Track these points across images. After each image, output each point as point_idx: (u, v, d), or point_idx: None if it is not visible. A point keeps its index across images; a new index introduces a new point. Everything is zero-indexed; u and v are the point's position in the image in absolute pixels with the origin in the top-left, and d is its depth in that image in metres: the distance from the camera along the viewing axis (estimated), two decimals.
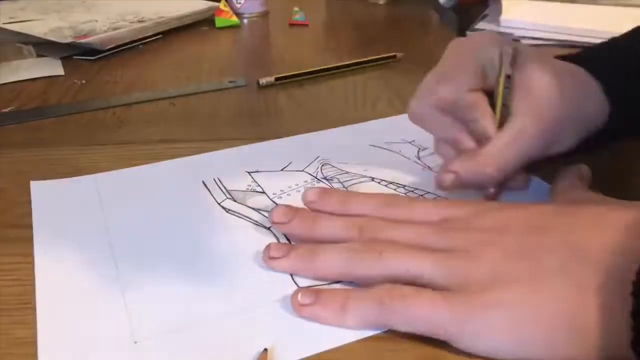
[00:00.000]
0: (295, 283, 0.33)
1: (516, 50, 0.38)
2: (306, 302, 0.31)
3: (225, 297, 0.32)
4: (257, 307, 0.32)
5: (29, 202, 0.42)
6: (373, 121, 0.53)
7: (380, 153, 0.48)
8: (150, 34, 0.79)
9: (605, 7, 0.78)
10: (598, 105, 0.40)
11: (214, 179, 0.44)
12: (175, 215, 0.40)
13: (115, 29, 0.78)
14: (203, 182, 0.44)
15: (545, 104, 0.37)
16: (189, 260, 0.36)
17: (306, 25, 0.87)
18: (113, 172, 0.45)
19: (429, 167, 0.45)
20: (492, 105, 0.38)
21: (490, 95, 0.38)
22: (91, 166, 0.46)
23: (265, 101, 0.60)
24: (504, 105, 0.38)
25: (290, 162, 0.46)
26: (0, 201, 0.42)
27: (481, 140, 0.38)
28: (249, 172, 0.45)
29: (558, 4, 0.79)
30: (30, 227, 0.39)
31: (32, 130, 0.54)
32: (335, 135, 0.51)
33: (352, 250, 0.33)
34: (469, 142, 0.38)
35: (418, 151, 0.47)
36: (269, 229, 0.38)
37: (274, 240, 0.37)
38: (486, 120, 0.37)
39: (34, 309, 0.32)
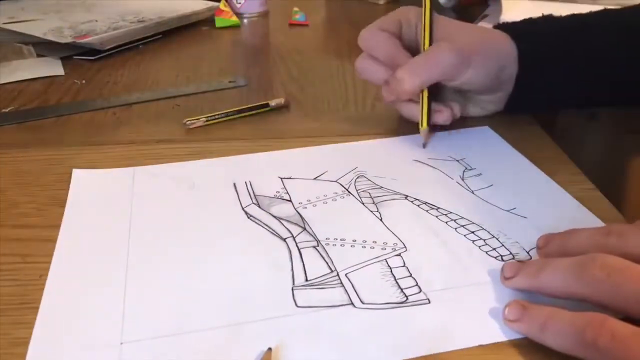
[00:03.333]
0: (295, 300, 0.32)
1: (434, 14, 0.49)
2: (511, 319, 0.30)
3: (221, 308, 0.32)
4: (246, 323, 0.31)
5: (29, 202, 0.42)
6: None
7: (422, 169, 0.46)
8: (150, 34, 0.79)
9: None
10: (507, 44, 0.49)
11: (245, 182, 0.44)
12: (198, 216, 0.40)
13: (115, 29, 0.78)
14: (234, 184, 0.44)
15: (453, 36, 0.48)
16: (195, 264, 0.36)
17: (306, 25, 0.87)
18: (151, 166, 0.46)
19: (471, 190, 0.43)
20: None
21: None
22: (91, 166, 0.46)
23: (264, 101, 0.59)
24: None
25: (326, 171, 0.45)
26: (0, 201, 0.42)
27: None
28: (281, 178, 0.44)
29: (558, 3, 0.79)
30: (30, 227, 0.40)
31: (32, 130, 0.54)
32: (379, 146, 0.49)
33: (575, 268, 0.30)
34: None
35: (464, 171, 0.45)
36: (284, 240, 0.38)
37: (285, 252, 0.36)
38: (403, 56, 0.49)
39: (33, 309, 0.32)
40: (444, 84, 0.49)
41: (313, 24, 0.88)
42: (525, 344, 0.30)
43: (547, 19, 0.52)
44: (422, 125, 0.49)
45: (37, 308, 0.32)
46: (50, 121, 0.55)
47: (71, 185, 0.43)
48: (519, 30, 0.50)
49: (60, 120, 0.56)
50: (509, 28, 0.50)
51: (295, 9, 0.89)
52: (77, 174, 0.45)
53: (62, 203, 0.42)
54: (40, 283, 0.34)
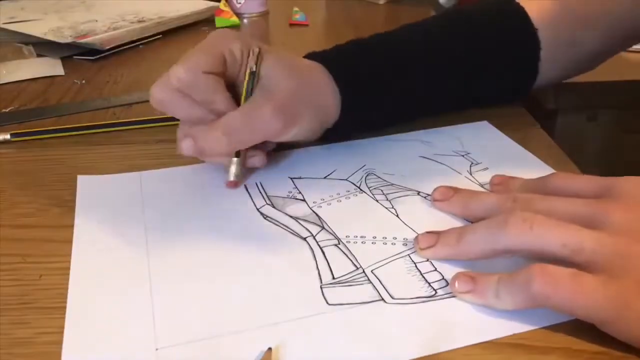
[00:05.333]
0: (325, 298, 0.32)
1: (262, 48, 0.42)
2: (463, 290, 0.32)
3: (252, 310, 0.32)
4: (282, 322, 0.31)
5: (29, 202, 0.42)
6: (425, 131, 0.51)
7: (429, 165, 0.46)
8: (150, 34, 0.79)
9: None
10: (332, 97, 0.45)
11: (256, 183, 0.44)
12: (214, 219, 0.40)
13: (115, 29, 0.78)
14: (245, 186, 0.43)
15: (279, 88, 0.41)
16: (219, 267, 0.35)
17: (306, 25, 0.87)
18: (158, 170, 0.46)
19: (479, 183, 0.43)
20: (237, 97, 0.42)
21: (233, 87, 0.43)
22: (91, 166, 0.46)
23: None
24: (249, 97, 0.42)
25: (335, 170, 0.45)
26: (0, 201, 0.42)
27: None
28: (291, 178, 0.44)
29: None
30: (29, 227, 0.39)
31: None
32: (384, 144, 0.49)
33: (498, 224, 0.32)
34: (212, 119, 0.41)
35: (470, 165, 0.45)
36: (304, 239, 0.37)
37: (308, 251, 0.36)
38: (224, 101, 0.41)
39: (33, 309, 0.32)
40: None
41: (313, 24, 0.88)
42: (536, 339, 0.30)
43: (360, 50, 0.49)
44: (230, 177, 0.43)
45: (37, 308, 0.32)
46: (50, 121, 0.55)
47: (77, 192, 0.43)
48: (338, 70, 0.46)
49: (60, 120, 0.56)
50: (327, 61, 0.46)
51: (295, 9, 0.89)
52: (83, 181, 0.44)
53: (62, 203, 0.42)
54: (40, 283, 0.34)
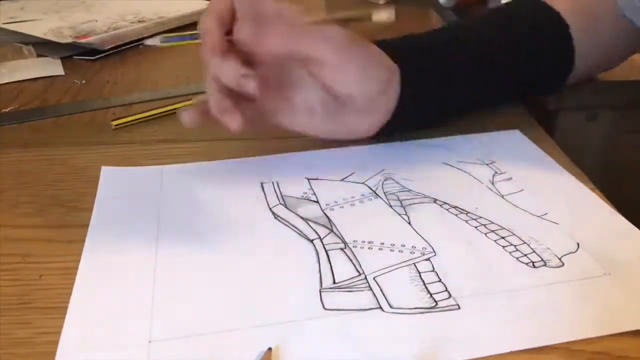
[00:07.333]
0: (322, 303, 0.32)
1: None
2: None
3: (249, 309, 0.32)
4: (276, 324, 0.31)
5: (29, 202, 0.42)
6: (450, 137, 0.50)
7: (451, 173, 0.45)
8: (150, 34, 0.79)
9: None
10: (383, 57, 0.45)
11: (272, 182, 0.44)
12: (226, 215, 0.40)
13: (115, 29, 0.78)
14: (261, 184, 0.44)
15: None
16: (223, 264, 0.35)
17: None
18: (179, 165, 0.46)
19: (501, 194, 0.42)
20: None
21: None
22: (91, 166, 0.46)
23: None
24: None
25: (353, 173, 0.45)
26: (1, 201, 0.42)
27: None
28: (308, 179, 0.44)
29: None
30: (29, 227, 0.40)
31: (32, 130, 0.54)
32: (406, 148, 0.48)
33: None
34: None
35: (493, 175, 0.44)
36: (311, 241, 0.37)
37: (313, 254, 0.36)
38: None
39: (33, 309, 0.32)
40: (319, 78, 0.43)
41: None
42: (555, 352, 0.29)
43: (411, 38, 0.51)
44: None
45: (37, 308, 0.32)
46: (50, 121, 0.55)
47: (100, 182, 0.44)
48: (398, 49, 0.47)
49: (60, 120, 0.56)
50: (387, 46, 0.47)
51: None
52: (106, 172, 0.45)
53: (62, 203, 0.42)
54: (40, 283, 0.34)
